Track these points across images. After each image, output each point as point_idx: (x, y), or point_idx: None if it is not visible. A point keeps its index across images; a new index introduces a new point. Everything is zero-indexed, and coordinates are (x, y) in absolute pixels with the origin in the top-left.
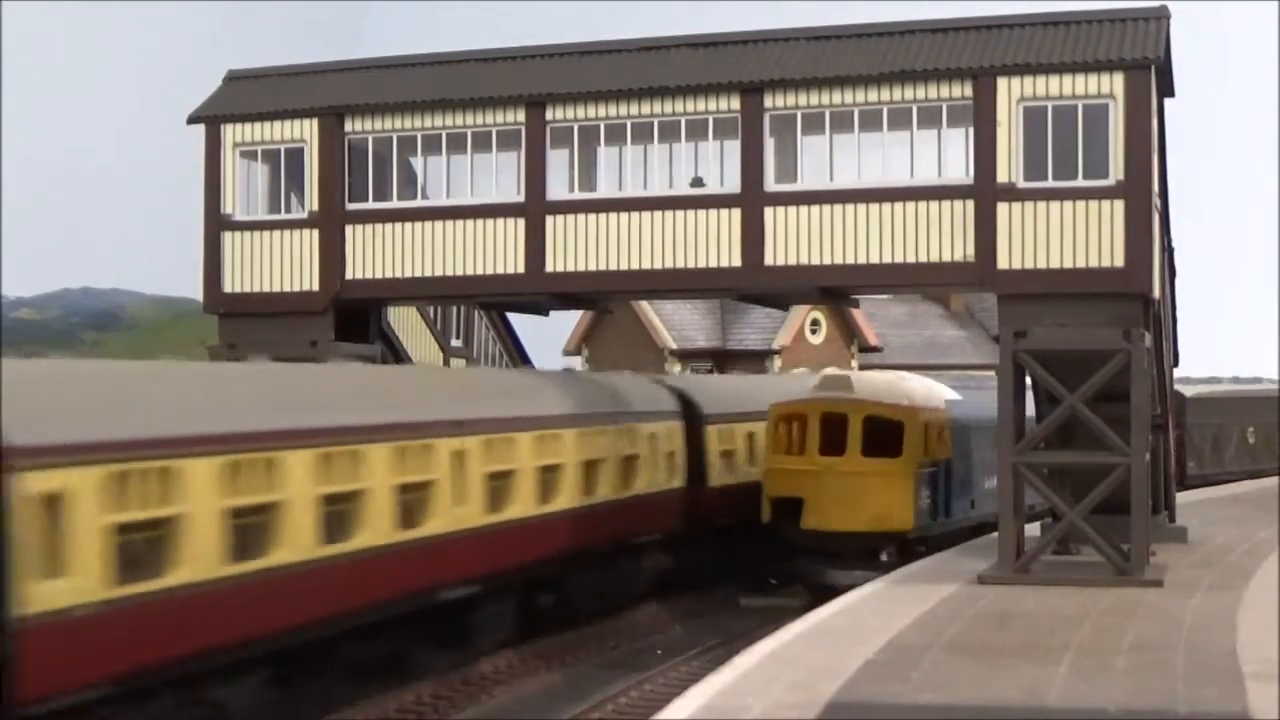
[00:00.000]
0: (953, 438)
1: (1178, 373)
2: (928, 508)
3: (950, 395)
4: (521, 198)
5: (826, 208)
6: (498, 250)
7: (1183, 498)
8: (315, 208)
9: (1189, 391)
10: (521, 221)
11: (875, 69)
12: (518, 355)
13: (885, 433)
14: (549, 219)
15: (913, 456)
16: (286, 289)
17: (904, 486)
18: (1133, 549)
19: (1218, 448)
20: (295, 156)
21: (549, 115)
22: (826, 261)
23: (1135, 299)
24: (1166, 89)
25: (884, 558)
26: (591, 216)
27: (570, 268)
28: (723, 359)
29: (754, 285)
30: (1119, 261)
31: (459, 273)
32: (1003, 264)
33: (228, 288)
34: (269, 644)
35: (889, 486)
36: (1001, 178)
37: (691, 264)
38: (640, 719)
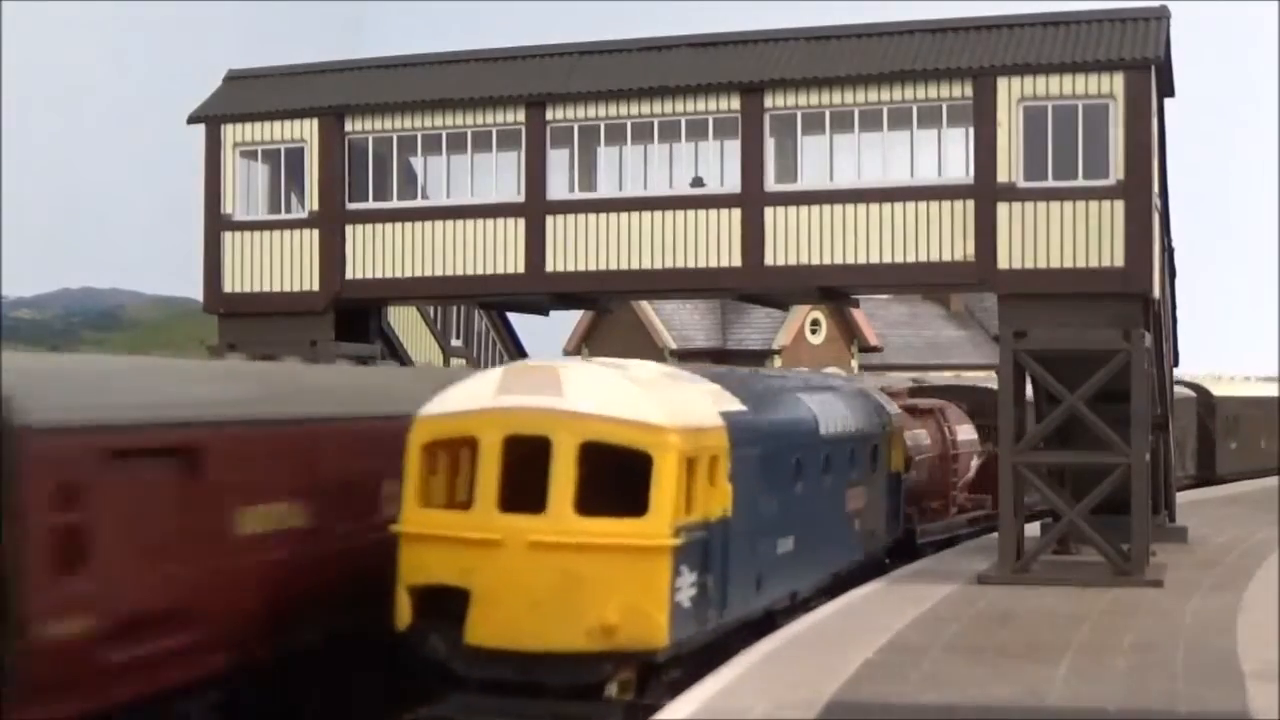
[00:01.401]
0: (736, 476)
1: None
2: (693, 604)
3: (730, 404)
4: (521, 198)
5: (826, 208)
6: (498, 250)
7: (1182, 497)
8: (315, 208)
9: None
10: (521, 221)
11: (875, 69)
12: (518, 355)
13: (621, 472)
14: (549, 219)
15: (669, 513)
16: (286, 289)
17: (654, 570)
18: (1133, 549)
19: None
20: (295, 156)
21: (549, 115)
22: (826, 261)
23: (1135, 299)
24: (1166, 89)
25: (611, 692)
26: (591, 216)
27: (570, 268)
28: (723, 359)
29: (754, 285)
30: (1119, 261)
31: (459, 273)
32: (1003, 264)
33: (228, 288)
34: None
35: (627, 571)
36: (1001, 178)
37: (691, 264)
38: None
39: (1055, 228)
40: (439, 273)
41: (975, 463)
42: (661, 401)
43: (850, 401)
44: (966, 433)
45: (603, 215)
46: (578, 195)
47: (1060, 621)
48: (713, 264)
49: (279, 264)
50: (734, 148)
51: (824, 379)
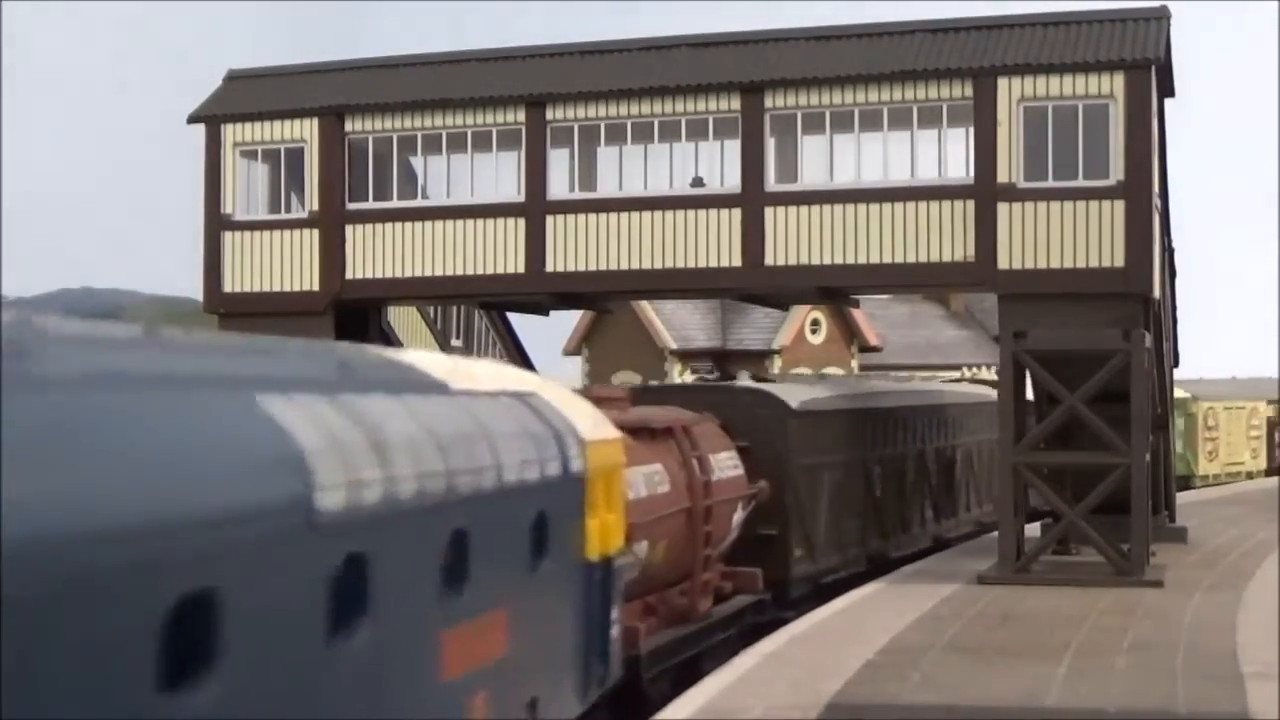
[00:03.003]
0: None
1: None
2: None
3: None
4: (522, 197)
5: (827, 208)
6: (498, 250)
7: (1183, 498)
8: (315, 208)
9: (794, 399)
10: (522, 221)
11: (875, 69)
12: (518, 355)
13: None
14: (549, 219)
15: None
16: (286, 289)
17: None
18: (1133, 549)
19: (816, 500)
20: (295, 156)
21: (549, 115)
22: (826, 261)
23: (1135, 299)
24: (1166, 89)
25: None
26: (592, 216)
27: (570, 268)
28: (723, 359)
29: (754, 285)
30: (1119, 262)
31: (459, 273)
32: (1003, 264)
33: (228, 287)
34: None
35: None
36: (1002, 178)
37: (691, 264)
38: None
39: (1055, 228)
40: (439, 273)
41: (739, 515)
42: None
43: (474, 420)
44: (727, 465)
45: (603, 215)
46: (578, 195)
47: (1060, 621)
48: (713, 264)
49: (279, 264)
50: (734, 148)
51: (393, 361)
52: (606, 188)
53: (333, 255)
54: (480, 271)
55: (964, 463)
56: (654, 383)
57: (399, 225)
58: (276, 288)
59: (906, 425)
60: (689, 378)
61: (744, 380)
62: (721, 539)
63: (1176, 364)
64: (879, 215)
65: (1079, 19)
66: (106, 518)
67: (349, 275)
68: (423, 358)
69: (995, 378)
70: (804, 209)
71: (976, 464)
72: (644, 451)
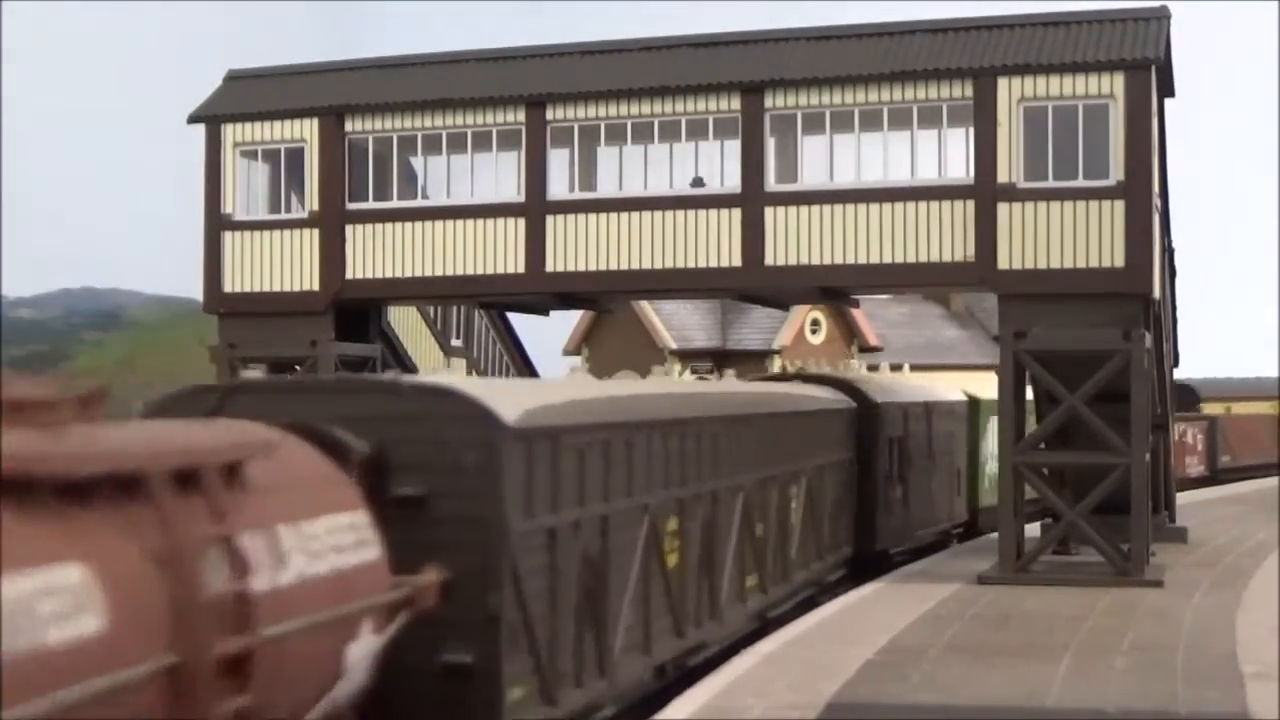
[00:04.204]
0: None
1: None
2: None
3: None
4: (522, 197)
5: (827, 208)
6: (498, 250)
7: (1183, 498)
8: (315, 208)
9: (510, 408)
10: (522, 221)
11: (875, 69)
12: (518, 355)
13: None
14: (549, 219)
15: None
16: (286, 289)
17: None
18: (1133, 549)
19: (556, 592)
20: (295, 156)
21: (549, 115)
22: (826, 261)
23: (1135, 299)
24: (1166, 89)
25: None
26: (592, 216)
27: (570, 268)
28: (723, 359)
29: (754, 285)
30: (1119, 262)
31: (459, 273)
32: (1003, 264)
33: (228, 287)
34: None
35: None
36: (1002, 178)
37: (691, 264)
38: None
39: (1055, 228)
40: (439, 273)
41: (369, 643)
42: None
43: None
44: (327, 544)
45: (603, 215)
46: (578, 195)
47: (1060, 621)
48: (713, 264)
49: (279, 264)
50: (734, 148)
51: None
52: (606, 188)
53: (333, 255)
54: (480, 271)
55: (803, 500)
56: (255, 374)
57: (399, 225)
58: (276, 288)
59: (716, 447)
60: (689, 377)
61: (436, 376)
62: (302, 709)
63: (1176, 364)
64: (879, 215)
65: (1079, 19)
66: None
67: (349, 275)
68: None
69: (831, 371)
70: (804, 209)
71: (817, 500)
72: (25, 542)
